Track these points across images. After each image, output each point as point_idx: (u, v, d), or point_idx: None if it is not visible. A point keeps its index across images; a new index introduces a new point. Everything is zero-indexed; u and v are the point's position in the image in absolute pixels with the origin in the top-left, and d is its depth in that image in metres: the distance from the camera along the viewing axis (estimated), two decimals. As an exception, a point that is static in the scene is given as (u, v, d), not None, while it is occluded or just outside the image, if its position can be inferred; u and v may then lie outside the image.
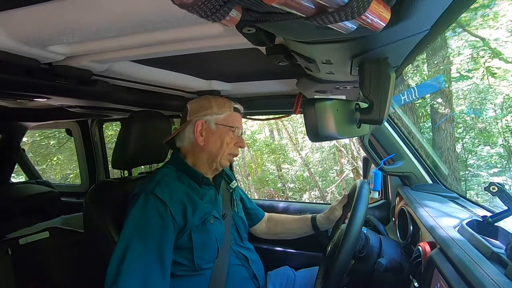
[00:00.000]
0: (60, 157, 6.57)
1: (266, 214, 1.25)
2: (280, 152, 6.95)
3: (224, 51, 0.65)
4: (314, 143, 6.10)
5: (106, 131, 5.64)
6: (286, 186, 6.77)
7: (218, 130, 0.94)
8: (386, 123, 1.21)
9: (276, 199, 6.39)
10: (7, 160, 2.04)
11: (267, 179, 6.72)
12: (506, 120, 5.04)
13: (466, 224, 0.74)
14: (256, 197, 6.43)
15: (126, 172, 1.09)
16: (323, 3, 0.25)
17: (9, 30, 0.51)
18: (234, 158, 1.02)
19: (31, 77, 0.72)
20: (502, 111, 5.04)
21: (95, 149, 2.04)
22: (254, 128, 7.03)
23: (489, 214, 0.77)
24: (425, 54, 4.72)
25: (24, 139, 2.45)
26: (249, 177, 6.89)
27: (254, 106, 1.33)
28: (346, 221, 0.80)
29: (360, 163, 5.53)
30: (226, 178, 1.09)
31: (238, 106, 1.01)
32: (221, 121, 0.95)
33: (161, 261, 0.76)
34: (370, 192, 1.01)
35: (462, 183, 4.84)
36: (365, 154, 1.28)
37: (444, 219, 0.81)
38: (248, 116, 1.51)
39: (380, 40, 0.44)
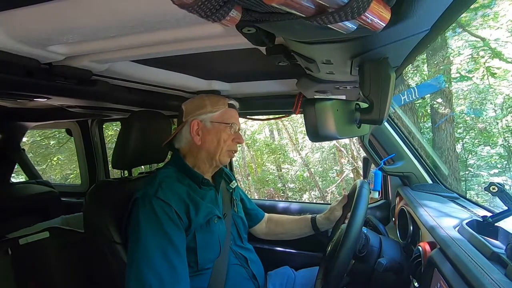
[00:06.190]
0: (60, 157, 6.57)
1: (266, 214, 1.25)
2: (280, 152, 6.95)
3: (224, 51, 0.65)
4: (314, 143, 6.10)
5: (106, 131, 5.64)
6: (286, 186, 6.77)
7: (214, 128, 0.94)
8: (386, 123, 1.21)
9: (276, 199, 6.38)
10: (7, 160, 2.04)
11: (267, 179, 6.72)
12: (506, 120, 5.04)
13: (466, 224, 0.74)
14: (256, 197, 6.43)
15: (126, 172, 1.09)
16: (323, 3, 0.25)
17: (9, 30, 0.51)
18: (234, 156, 1.02)
19: (31, 77, 0.72)
20: (502, 111, 5.04)
21: (95, 149, 2.04)
22: (254, 128, 7.03)
23: (489, 214, 0.77)
24: (425, 54, 4.72)
25: (24, 139, 2.44)
26: (249, 177, 6.89)
27: (254, 106, 1.33)
28: (346, 221, 0.80)
29: (360, 163, 5.52)
30: (225, 178, 1.09)
31: (233, 102, 1.00)
32: (216, 118, 0.95)
33: (179, 253, 0.78)
34: (370, 192, 1.01)
35: (462, 183, 4.84)
36: (365, 154, 1.28)
37: (444, 219, 0.81)
38: (248, 116, 1.51)
39: (380, 40, 0.44)
